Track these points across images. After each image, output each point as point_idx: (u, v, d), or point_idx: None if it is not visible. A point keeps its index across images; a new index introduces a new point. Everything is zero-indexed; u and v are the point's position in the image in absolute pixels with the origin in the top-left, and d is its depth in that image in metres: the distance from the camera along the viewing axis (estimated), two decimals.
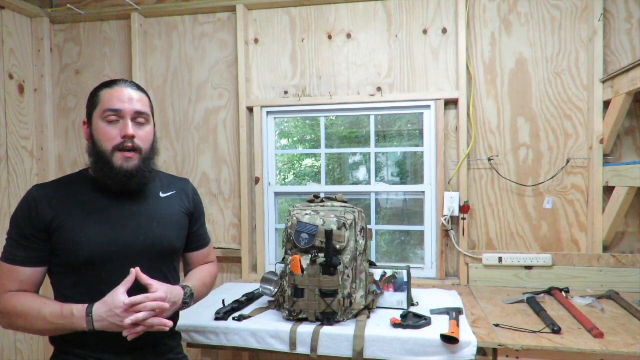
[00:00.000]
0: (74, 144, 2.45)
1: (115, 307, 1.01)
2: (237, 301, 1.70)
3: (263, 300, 1.79)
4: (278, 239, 2.34)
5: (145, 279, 1.07)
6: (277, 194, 2.33)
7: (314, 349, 1.43)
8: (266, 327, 1.49)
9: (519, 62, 2.05)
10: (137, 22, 2.31)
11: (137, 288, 1.06)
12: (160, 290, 1.07)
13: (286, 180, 2.52)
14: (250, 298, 1.77)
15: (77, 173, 1.21)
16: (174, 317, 1.26)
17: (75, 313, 1.02)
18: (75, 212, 1.10)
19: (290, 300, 1.51)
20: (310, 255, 1.49)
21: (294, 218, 1.57)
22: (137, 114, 1.12)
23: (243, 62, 2.24)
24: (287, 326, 1.48)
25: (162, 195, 1.25)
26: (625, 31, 1.95)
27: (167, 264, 1.22)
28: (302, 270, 1.48)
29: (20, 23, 2.30)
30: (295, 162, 2.59)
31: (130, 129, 1.09)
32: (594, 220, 1.96)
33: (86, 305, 1.03)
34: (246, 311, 1.66)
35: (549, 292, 1.84)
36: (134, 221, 1.15)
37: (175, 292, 1.13)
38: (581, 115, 2.00)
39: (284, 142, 2.50)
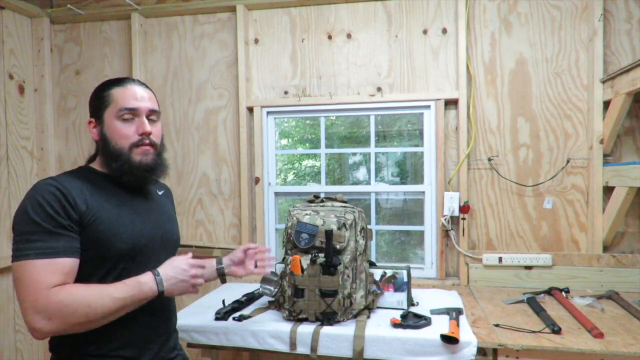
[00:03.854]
0: (74, 144, 2.46)
1: (180, 262, 1.09)
2: (237, 301, 1.70)
3: (263, 300, 1.79)
4: (278, 239, 2.34)
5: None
6: (277, 194, 2.33)
7: (314, 349, 1.43)
8: (266, 327, 1.49)
9: (519, 62, 2.05)
10: (137, 22, 2.31)
11: (160, 308, 1.15)
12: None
13: (286, 180, 2.52)
14: (250, 298, 1.77)
15: (80, 169, 1.16)
16: (173, 316, 1.26)
17: (141, 280, 1.04)
18: (107, 204, 1.08)
19: (290, 300, 1.51)
20: (310, 255, 1.49)
21: (294, 218, 1.57)
22: (151, 112, 1.15)
23: (243, 62, 2.24)
24: (287, 326, 1.48)
25: (159, 193, 1.31)
26: (625, 31, 1.95)
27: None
28: (302, 270, 1.48)
29: (20, 23, 2.30)
30: (295, 162, 2.59)
31: (148, 126, 1.12)
32: (594, 220, 1.96)
33: (148, 271, 1.07)
34: (246, 311, 1.66)
35: (549, 292, 1.84)
36: (152, 215, 1.19)
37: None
38: (581, 115, 2.00)
39: (284, 142, 2.50)
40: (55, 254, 0.97)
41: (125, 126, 1.11)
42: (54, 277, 0.96)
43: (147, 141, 1.12)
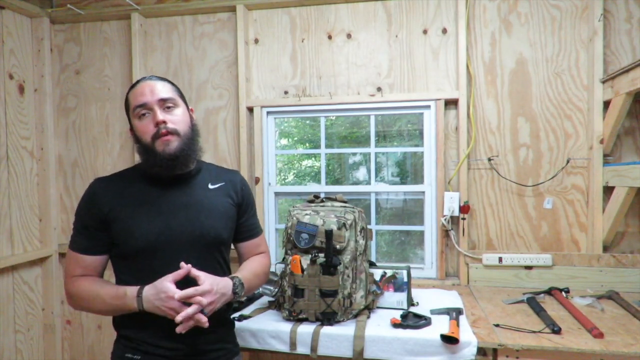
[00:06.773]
0: (74, 144, 2.46)
1: (161, 291, 1.07)
2: (237, 301, 1.70)
3: (263, 300, 1.79)
4: (278, 239, 2.34)
5: (194, 271, 1.11)
6: (277, 194, 2.33)
7: (314, 349, 1.43)
8: (266, 327, 1.49)
9: (519, 62, 2.05)
10: (137, 22, 2.31)
11: (187, 281, 1.11)
12: (206, 282, 1.10)
13: (286, 180, 2.52)
14: (250, 298, 1.78)
15: (133, 167, 1.28)
16: (226, 307, 1.28)
17: (127, 294, 1.10)
18: (128, 203, 1.17)
19: (290, 300, 1.51)
20: (310, 255, 1.49)
21: (294, 218, 1.57)
22: (163, 101, 1.17)
23: (243, 62, 2.24)
24: (287, 326, 1.48)
25: (210, 186, 1.29)
26: (625, 31, 1.95)
27: (216, 254, 1.25)
28: (302, 270, 1.48)
29: (20, 23, 2.30)
30: (295, 162, 2.59)
31: (159, 115, 1.15)
32: (594, 220, 1.96)
33: (138, 287, 1.11)
34: (246, 311, 1.66)
35: (549, 292, 1.84)
36: (183, 212, 1.20)
37: (222, 284, 1.15)
38: (581, 115, 2.00)
39: (284, 142, 2.50)
40: (77, 249, 1.18)
41: (143, 122, 1.17)
42: (76, 268, 1.18)
43: (164, 130, 1.14)
